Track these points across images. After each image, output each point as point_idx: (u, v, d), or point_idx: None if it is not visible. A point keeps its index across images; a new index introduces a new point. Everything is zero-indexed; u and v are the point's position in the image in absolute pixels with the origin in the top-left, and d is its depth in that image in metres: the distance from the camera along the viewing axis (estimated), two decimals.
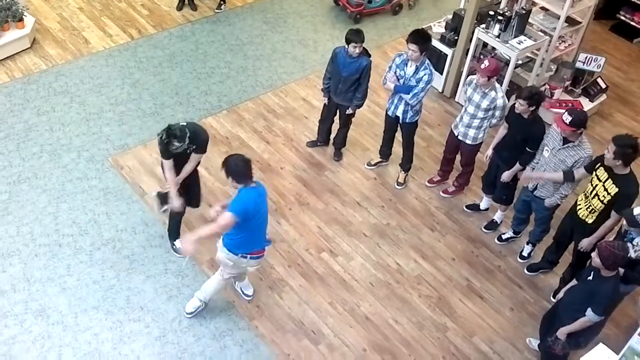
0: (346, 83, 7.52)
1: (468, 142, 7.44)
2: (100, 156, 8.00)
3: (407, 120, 7.61)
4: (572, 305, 5.84)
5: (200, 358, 6.30)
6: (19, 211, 7.29)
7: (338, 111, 8.00)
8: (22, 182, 7.58)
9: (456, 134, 7.52)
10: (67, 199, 7.47)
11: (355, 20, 10.63)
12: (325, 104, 8.00)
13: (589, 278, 5.74)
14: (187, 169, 6.41)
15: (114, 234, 7.19)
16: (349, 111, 7.83)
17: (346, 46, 7.31)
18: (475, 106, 7.16)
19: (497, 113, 7.15)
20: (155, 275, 6.88)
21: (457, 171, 8.09)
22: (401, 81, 7.33)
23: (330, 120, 8.21)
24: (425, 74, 7.18)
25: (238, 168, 5.59)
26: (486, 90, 7.04)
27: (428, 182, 8.28)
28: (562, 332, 5.88)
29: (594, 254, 5.54)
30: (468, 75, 8.53)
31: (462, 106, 7.46)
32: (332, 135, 8.42)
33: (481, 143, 7.51)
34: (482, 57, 9.00)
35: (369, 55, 7.49)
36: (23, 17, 9.09)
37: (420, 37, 7.06)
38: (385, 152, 8.27)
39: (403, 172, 8.17)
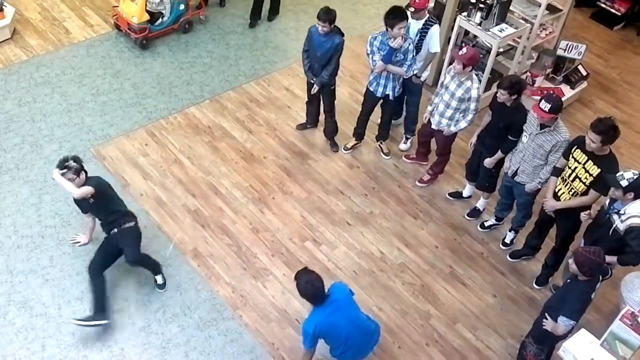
0: (321, 62, 7.56)
1: (442, 131, 7.49)
2: (82, 147, 7.95)
3: (396, 95, 7.79)
4: (549, 308, 5.82)
5: (184, 348, 6.31)
6: (1, 203, 7.25)
7: (320, 94, 8.00)
8: (4, 173, 7.53)
9: (431, 123, 7.57)
10: (50, 190, 7.43)
11: (141, 47, 9.42)
12: (309, 82, 7.96)
13: (568, 281, 5.71)
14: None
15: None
16: (314, 90, 7.82)
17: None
18: (450, 95, 7.18)
19: (472, 106, 7.14)
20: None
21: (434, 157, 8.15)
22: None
23: (317, 100, 8.18)
24: (409, 44, 7.32)
25: (307, 291, 5.49)
26: (462, 79, 7.06)
27: (405, 157, 8.42)
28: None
29: (570, 261, 5.48)
30: (450, 64, 8.55)
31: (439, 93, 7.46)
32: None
33: (456, 134, 7.54)
34: (463, 44, 9.02)
35: (342, 35, 7.52)
36: (3, 7, 8.99)
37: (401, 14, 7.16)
38: (361, 133, 8.37)
39: (384, 142, 8.43)
